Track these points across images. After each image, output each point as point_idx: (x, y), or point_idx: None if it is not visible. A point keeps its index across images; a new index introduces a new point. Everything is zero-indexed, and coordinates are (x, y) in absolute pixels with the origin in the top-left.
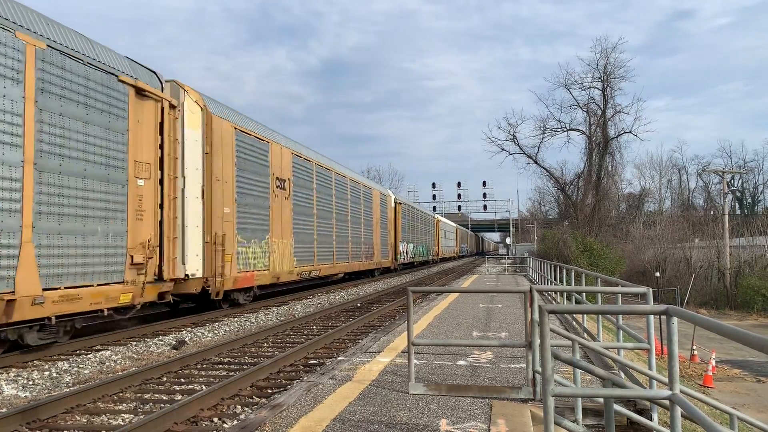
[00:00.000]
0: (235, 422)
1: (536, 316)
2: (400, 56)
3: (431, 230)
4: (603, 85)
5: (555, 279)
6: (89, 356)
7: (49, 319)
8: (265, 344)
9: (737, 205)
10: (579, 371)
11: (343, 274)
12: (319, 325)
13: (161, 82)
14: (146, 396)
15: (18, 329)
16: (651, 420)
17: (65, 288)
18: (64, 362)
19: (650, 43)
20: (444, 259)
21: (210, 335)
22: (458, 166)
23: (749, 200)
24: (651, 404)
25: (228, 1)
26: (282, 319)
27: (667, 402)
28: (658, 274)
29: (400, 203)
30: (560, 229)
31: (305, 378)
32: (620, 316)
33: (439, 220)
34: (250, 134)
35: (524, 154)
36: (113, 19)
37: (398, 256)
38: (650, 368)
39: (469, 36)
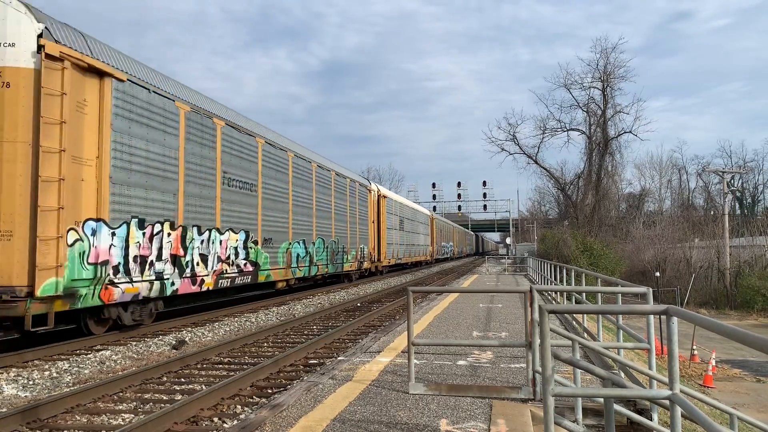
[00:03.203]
0: (235, 422)
1: (536, 315)
2: (399, 57)
3: (362, 212)
4: (603, 85)
5: (555, 279)
6: (89, 356)
7: None
8: (265, 344)
9: (737, 205)
10: (579, 371)
11: None
12: (319, 324)
13: None
14: (146, 396)
15: None
16: (651, 420)
17: None
18: (64, 362)
19: (649, 44)
20: (397, 268)
21: (210, 335)
22: (458, 166)
23: (749, 200)
24: (651, 404)
25: (228, 2)
26: (282, 318)
27: (667, 402)
28: (658, 274)
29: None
30: (560, 229)
31: (305, 378)
32: (620, 316)
33: (383, 196)
34: None
35: (524, 154)
36: (114, 20)
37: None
38: (650, 368)
39: (468, 37)
